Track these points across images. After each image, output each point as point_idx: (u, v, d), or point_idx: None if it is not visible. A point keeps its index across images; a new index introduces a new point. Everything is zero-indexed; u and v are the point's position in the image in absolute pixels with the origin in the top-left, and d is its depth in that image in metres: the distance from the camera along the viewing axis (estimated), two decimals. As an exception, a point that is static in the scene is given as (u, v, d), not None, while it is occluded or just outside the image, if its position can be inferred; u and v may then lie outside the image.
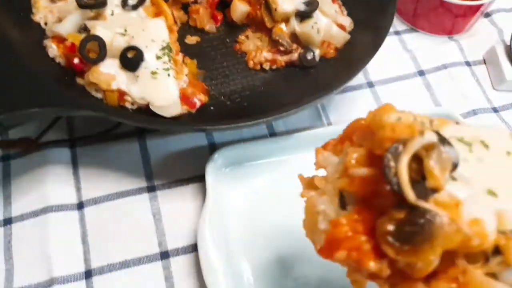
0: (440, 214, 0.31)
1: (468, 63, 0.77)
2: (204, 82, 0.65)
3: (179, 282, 0.56)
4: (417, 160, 0.33)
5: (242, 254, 0.57)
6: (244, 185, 0.61)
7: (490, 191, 0.34)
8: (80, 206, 0.61)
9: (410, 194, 0.32)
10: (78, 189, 0.62)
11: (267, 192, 0.61)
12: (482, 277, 0.32)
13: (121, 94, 0.59)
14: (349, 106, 0.70)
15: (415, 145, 0.33)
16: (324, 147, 0.41)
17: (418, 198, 0.32)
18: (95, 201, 0.61)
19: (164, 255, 0.58)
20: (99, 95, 0.60)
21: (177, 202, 0.61)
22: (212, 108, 0.63)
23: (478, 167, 0.35)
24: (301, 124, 0.67)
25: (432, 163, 0.32)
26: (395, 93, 0.72)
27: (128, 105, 0.59)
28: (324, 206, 0.37)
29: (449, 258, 0.32)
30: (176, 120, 0.58)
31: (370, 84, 0.73)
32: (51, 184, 0.61)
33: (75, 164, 0.63)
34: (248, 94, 0.65)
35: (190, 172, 0.62)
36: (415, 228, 0.31)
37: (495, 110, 0.73)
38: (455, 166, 0.33)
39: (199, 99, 0.62)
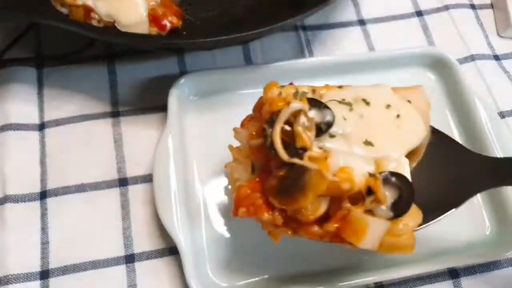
0: (309, 167, 0.37)
1: (473, 6, 0.71)
2: (180, 6, 0.61)
3: (135, 210, 0.54)
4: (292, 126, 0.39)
5: (201, 188, 0.54)
6: (213, 116, 0.58)
7: (367, 142, 0.40)
8: (42, 127, 0.58)
9: (283, 155, 0.38)
10: (41, 109, 0.59)
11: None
12: (360, 214, 0.38)
13: (87, 10, 0.55)
14: (335, 43, 0.65)
15: (283, 114, 0.39)
16: (241, 125, 0.46)
17: (292, 157, 0.38)
18: (57, 122, 0.58)
19: (123, 182, 0.56)
20: (64, 10, 0.56)
21: (140, 130, 0.58)
22: (185, 33, 0.59)
23: (358, 123, 0.41)
24: (282, 58, 0.61)
25: (298, 127, 0.39)
26: (387, 33, 0.67)
27: (94, 23, 0.56)
28: (238, 174, 0.44)
29: (338, 203, 0.39)
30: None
31: (362, 22, 0.67)
32: (14, 103, 0.58)
33: (40, 84, 0.61)
34: (226, 21, 0.61)
35: (157, 100, 0.59)
36: (290, 181, 0.38)
37: (496, 57, 0.67)
38: (329, 125, 0.40)
39: (170, 21, 0.57)
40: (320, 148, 0.39)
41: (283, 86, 0.43)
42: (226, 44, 0.55)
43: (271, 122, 0.40)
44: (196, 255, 0.49)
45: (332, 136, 0.40)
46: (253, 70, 0.59)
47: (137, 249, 0.53)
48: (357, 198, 0.39)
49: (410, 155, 0.42)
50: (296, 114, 0.39)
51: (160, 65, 0.62)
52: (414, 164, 0.45)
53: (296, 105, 0.39)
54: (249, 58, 0.63)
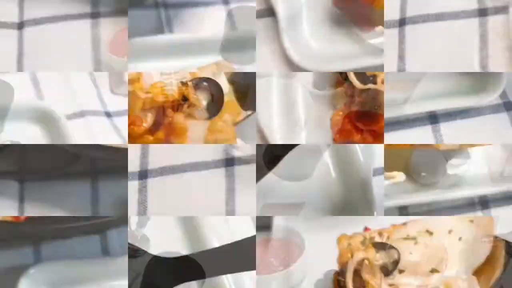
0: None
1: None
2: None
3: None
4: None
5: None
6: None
7: (434, 270, 0.46)
8: (21, 25, 0.60)
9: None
10: (21, 8, 0.61)
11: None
12: (180, 118, 0.47)
13: None
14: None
15: (350, 266, 0.46)
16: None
17: None
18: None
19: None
20: None
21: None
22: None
23: (424, 253, 0.47)
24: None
25: (365, 275, 0.46)
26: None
27: None
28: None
29: (164, 113, 0.48)
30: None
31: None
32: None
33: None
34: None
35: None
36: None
37: (107, 114, 0.61)
38: (396, 263, 0.46)
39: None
40: (391, 285, 0.45)
41: (352, 237, 0.49)
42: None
43: (342, 272, 0.47)
44: None
45: (401, 271, 0.45)
46: (111, 261, 0.57)
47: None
48: (179, 106, 0.47)
49: (480, 271, 0.47)
50: (360, 263, 0.46)
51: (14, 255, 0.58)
52: (493, 281, 0.47)
53: (359, 255, 0.46)
54: (107, 251, 0.59)
